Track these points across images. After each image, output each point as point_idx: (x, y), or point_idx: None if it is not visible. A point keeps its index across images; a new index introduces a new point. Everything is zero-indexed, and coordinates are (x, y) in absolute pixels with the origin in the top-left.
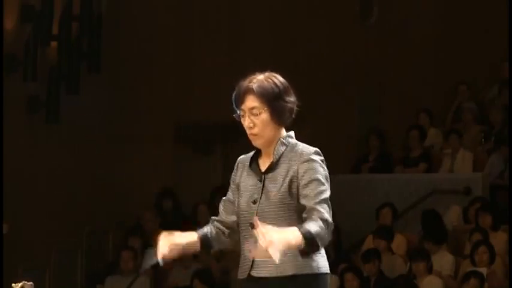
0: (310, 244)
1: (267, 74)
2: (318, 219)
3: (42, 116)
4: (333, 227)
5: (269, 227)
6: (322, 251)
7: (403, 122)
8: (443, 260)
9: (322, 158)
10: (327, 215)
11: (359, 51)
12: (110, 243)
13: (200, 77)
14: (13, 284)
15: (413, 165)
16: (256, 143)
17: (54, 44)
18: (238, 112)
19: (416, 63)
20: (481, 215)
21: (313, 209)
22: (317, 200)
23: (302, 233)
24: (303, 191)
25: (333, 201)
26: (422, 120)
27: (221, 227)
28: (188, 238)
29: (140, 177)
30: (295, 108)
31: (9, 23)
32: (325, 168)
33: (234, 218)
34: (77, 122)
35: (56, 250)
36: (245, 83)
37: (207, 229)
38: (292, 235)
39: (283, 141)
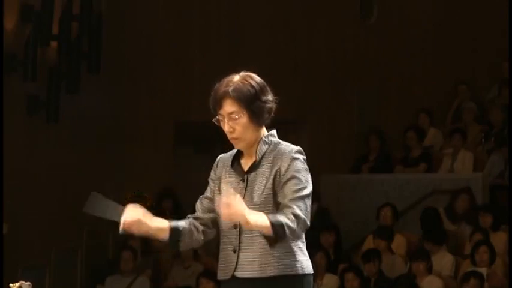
0: (276, 231)
1: (242, 74)
2: (289, 214)
3: (42, 116)
4: (306, 224)
5: (238, 198)
6: (305, 252)
7: (403, 122)
8: (443, 260)
9: (304, 156)
10: (299, 212)
11: (359, 51)
12: (110, 243)
13: (200, 77)
14: (11, 284)
15: (413, 165)
16: (238, 146)
17: (54, 44)
18: (216, 116)
19: (416, 63)
20: (481, 215)
21: (285, 206)
22: (292, 197)
23: (270, 220)
24: (281, 190)
25: (333, 201)
26: (422, 120)
27: (196, 224)
28: (158, 223)
29: (140, 177)
30: (274, 106)
31: (9, 23)
32: (307, 167)
33: (210, 215)
34: (77, 122)
35: (56, 250)
36: (221, 87)
37: (181, 223)
38: (257, 215)
39: (266, 140)
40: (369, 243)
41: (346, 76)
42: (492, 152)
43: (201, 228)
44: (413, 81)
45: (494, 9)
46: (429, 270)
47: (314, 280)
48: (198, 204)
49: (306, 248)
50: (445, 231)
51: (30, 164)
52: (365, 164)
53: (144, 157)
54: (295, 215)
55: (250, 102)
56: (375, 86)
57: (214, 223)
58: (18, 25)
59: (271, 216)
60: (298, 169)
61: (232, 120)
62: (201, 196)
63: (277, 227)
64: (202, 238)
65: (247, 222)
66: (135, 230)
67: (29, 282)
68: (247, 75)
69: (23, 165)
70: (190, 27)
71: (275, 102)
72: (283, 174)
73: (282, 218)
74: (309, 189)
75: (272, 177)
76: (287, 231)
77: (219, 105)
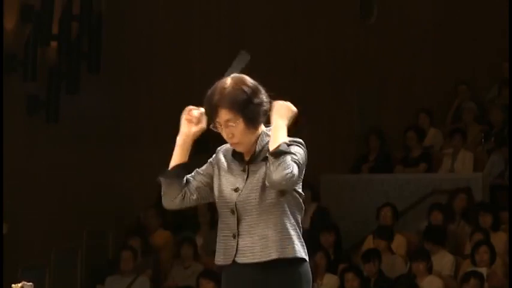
0: (284, 148)
1: (234, 78)
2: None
3: (42, 116)
4: (298, 178)
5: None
6: (302, 240)
7: (403, 122)
8: (443, 260)
9: (305, 148)
10: (295, 164)
11: (359, 51)
12: (110, 243)
13: (200, 77)
14: (13, 285)
15: (413, 165)
16: (240, 149)
17: (54, 44)
18: (213, 123)
19: (416, 63)
20: (481, 215)
21: None
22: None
23: (284, 142)
24: None
25: (333, 201)
26: (422, 120)
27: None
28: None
29: (140, 177)
30: (269, 105)
31: (9, 23)
32: (306, 155)
33: (197, 184)
34: (77, 122)
35: (56, 250)
36: (214, 96)
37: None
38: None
39: (266, 132)
40: (369, 243)
41: (346, 76)
42: (492, 152)
43: (188, 192)
44: (413, 81)
45: (494, 9)
46: (429, 270)
47: (314, 280)
48: (191, 176)
49: (307, 247)
50: (445, 231)
51: (30, 164)
52: (365, 164)
53: (144, 157)
54: (295, 161)
55: (243, 107)
56: (375, 86)
57: (199, 191)
58: (18, 25)
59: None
60: (297, 150)
61: (229, 127)
62: (196, 170)
63: (284, 148)
64: (183, 199)
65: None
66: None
67: (31, 283)
68: (238, 79)
69: (23, 165)
70: (190, 27)
71: (270, 101)
72: None
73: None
74: (303, 165)
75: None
76: (289, 155)
77: (214, 114)
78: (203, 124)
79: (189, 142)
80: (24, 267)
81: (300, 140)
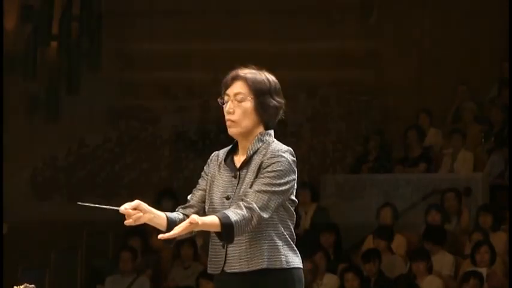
0: (226, 231)
1: (261, 69)
2: (243, 207)
3: (42, 116)
4: (259, 218)
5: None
6: (293, 246)
7: (403, 122)
8: (443, 260)
9: (294, 158)
10: (255, 205)
11: (359, 51)
12: (109, 243)
13: (200, 77)
14: (15, 287)
15: (413, 165)
16: (232, 131)
17: (54, 44)
18: (223, 97)
19: (416, 63)
20: (481, 215)
21: (247, 195)
22: (259, 189)
23: (220, 219)
24: (257, 179)
25: (333, 201)
26: (422, 120)
27: (188, 213)
28: (156, 211)
29: (140, 177)
30: (281, 112)
31: (9, 23)
32: (294, 168)
33: (203, 205)
34: (76, 122)
35: (56, 250)
36: (237, 70)
37: (174, 214)
38: (208, 219)
39: (261, 137)
40: (369, 243)
41: (346, 76)
42: (492, 152)
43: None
44: (413, 81)
45: (494, 9)
46: (429, 270)
47: (314, 280)
48: (190, 196)
49: (307, 247)
50: (445, 231)
51: (30, 164)
52: (365, 164)
53: (144, 157)
54: (249, 208)
55: (260, 92)
56: (375, 86)
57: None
58: (18, 25)
59: (221, 215)
60: (282, 166)
61: (237, 101)
62: (193, 190)
63: (226, 227)
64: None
65: (207, 227)
66: (139, 215)
67: (33, 285)
68: (265, 71)
69: (23, 165)
70: (190, 27)
71: (283, 110)
72: (265, 168)
73: (234, 217)
74: (284, 187)
75: (257, 171)
76: (235, 231)
77: (229, 84)
78: (143, 212)
79: (154, 213)
80: (24, 267)
81: (288, 149)
